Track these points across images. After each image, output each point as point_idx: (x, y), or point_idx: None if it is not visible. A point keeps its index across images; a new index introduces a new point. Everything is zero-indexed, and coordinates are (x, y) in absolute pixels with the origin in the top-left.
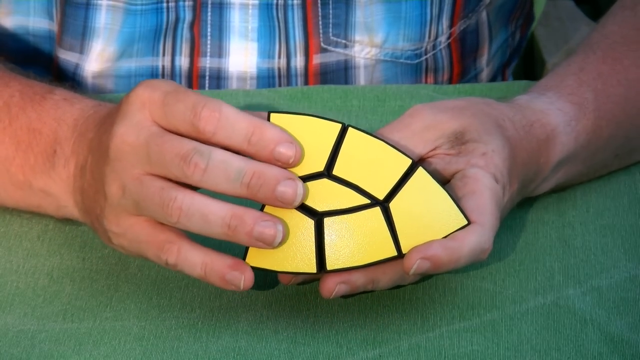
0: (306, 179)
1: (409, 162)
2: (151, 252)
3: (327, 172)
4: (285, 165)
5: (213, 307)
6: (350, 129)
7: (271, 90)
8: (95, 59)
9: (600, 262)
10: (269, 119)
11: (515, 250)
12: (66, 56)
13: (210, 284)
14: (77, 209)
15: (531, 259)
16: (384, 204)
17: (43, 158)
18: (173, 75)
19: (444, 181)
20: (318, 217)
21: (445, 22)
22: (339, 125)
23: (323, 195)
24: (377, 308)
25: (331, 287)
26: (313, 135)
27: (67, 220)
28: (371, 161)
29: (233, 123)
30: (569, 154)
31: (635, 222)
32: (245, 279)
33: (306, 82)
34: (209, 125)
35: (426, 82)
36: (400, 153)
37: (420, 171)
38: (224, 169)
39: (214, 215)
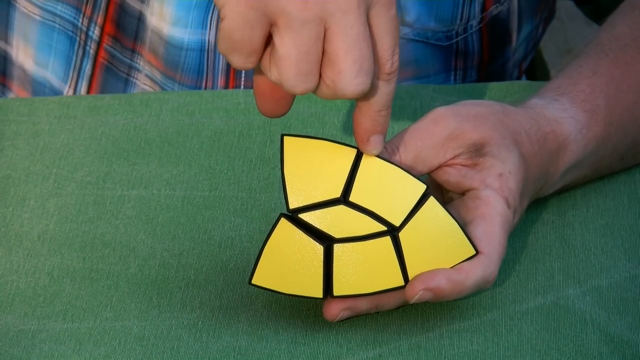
0: (322, 205)
1: (423, 187)
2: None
3: (344, 199)
4: None
5: (213, 307)
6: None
7: None
8: (155, 14)
9: (600, 262)
10: (282, 141)
11: (515, 250)
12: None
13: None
14: None
15: (531, 259)
16: (393, 233)
17: None
18: (216, 50)
19: (456, 193)
20: (327, 244)
21: (477, 5)
22: (354, 151)
23: (339, 222)
24: None
25: (335, 312)
26: (328, 160)
27: (67, 220)
28: (386, 187)
29: None
30: (577, 161)
31: (635, 222)
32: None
33: None
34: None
35: (456, 65)
36: (414, 178)
37: (431, 200)
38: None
39: None
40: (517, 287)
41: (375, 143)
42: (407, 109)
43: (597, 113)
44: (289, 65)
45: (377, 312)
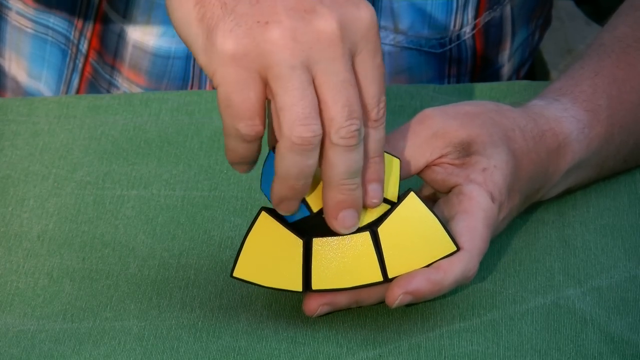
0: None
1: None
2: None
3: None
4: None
5: (213, 307)
6: None
7: None
8: (139, 29)
9: (601, 262)
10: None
11: (515, 250)
12: (112, 16)
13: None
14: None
15: (531, 259)
16: (372, 228)
17: None
18: None
19: (444, 192)
20: (307, 238)
21: (470, 12)
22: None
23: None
24: (377, 308)
25: (314, 307)
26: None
27: (67, 220)
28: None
29: None
30: (580, 161)
31: (635, 222)
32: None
33: None
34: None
35: (449, 72)
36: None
37: (412, 196)
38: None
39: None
40: (517, 287)
41: (377, 188)
42: (407, 109)
43: (599, 113)
44: (289, 113)
45: (377, 313)
